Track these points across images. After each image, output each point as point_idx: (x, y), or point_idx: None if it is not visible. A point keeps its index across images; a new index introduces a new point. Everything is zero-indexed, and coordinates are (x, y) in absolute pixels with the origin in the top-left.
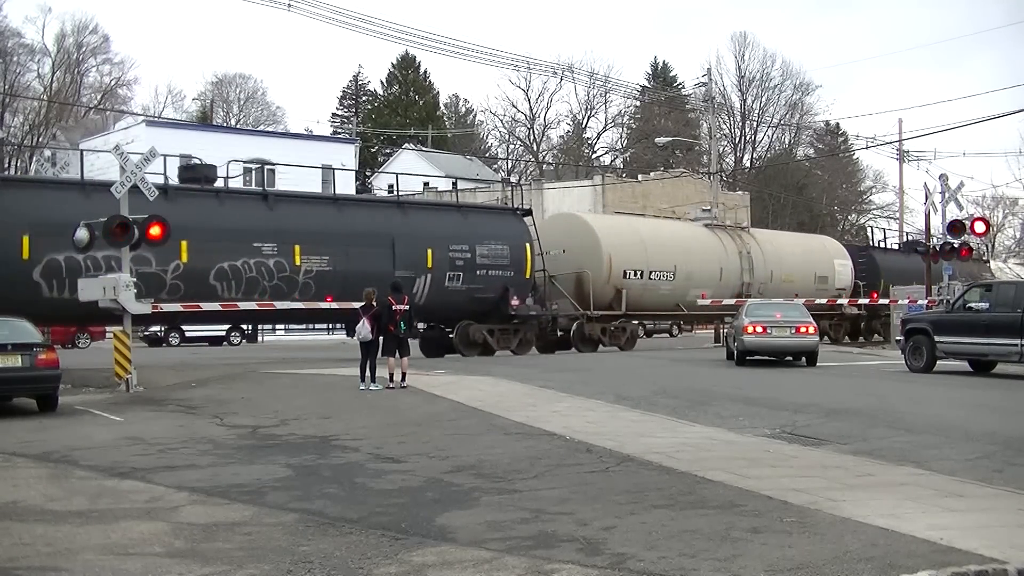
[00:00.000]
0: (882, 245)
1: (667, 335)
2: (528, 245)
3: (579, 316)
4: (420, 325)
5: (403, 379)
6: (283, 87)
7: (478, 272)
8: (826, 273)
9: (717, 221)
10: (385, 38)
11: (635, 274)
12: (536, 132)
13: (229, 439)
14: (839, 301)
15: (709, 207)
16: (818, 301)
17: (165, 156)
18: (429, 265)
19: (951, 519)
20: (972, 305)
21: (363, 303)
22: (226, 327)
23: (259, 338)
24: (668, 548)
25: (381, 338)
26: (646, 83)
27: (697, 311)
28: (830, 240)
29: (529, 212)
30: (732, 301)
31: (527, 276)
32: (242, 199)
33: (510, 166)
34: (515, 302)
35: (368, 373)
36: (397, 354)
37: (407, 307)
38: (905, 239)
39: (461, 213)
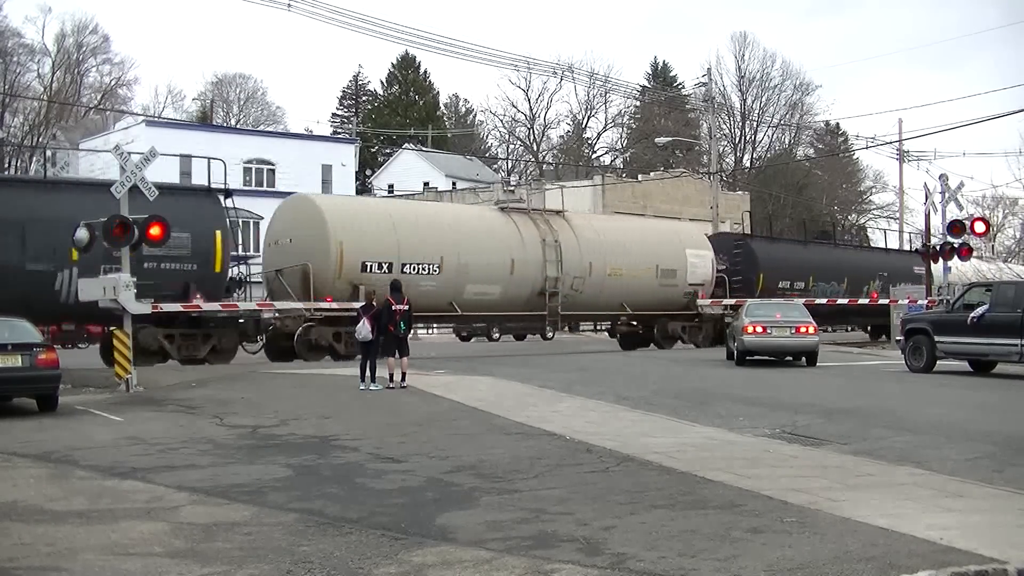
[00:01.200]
0: (771, 234)
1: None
2: (219, 232)
3: (306, 319)
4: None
5: (403, 379)
6: (283, 87)
7: (146, 265)
8: (674, 266)
9: (521, 204)
10: (385, 38)
11: (379, 267)
12: (536, 132)
13: (229, 439)
14: (699, 301)
15: (512, 187)
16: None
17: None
18: (75, 257)
19: (951, 519)
20: (970, 303)
21: (363, 303)
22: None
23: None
24: (668, 548)
25: (381, 338)
26: (646, 83)
27: (484, 312)
28: (689, 228)
29: (228, 192)
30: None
31: (216, 270)
32: None
33: (510, 166)
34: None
35: (368, 373)
36: (397, 354)
37: (407, 307)
38: (813, 231)
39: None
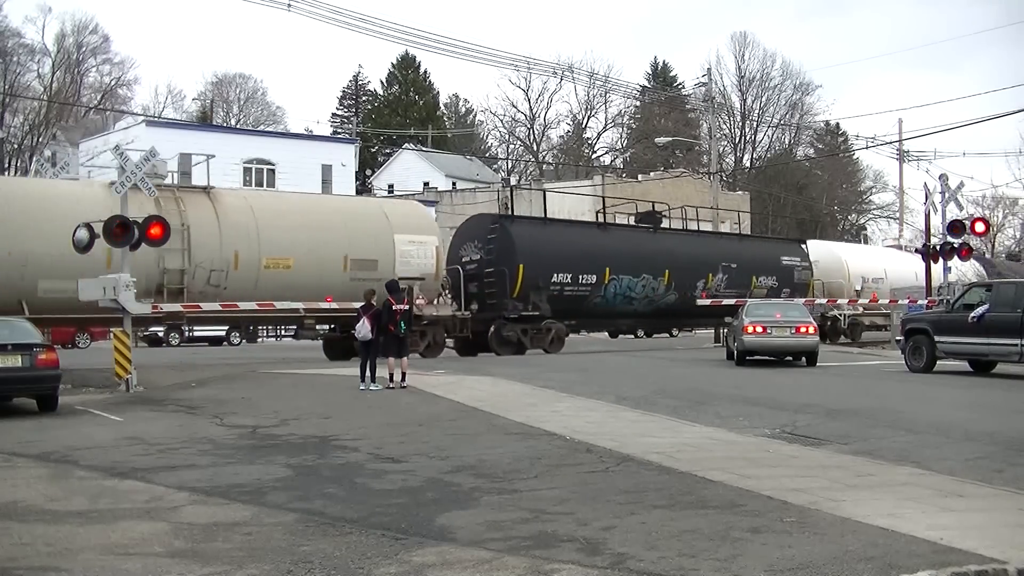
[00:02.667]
0: (534, 215)
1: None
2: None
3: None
4: None
5: (403, 379)
6: (283, 87)
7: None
8: (374, 255)
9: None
10: (385, 38)
11: None
12: (536, 132)
13: (229, 439)
14: (419, 301)
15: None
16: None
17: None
18: None
19: (951, 519)
20: (970, 303)
21: (363, 303)
22: (225, 328)
23: (259, 338)
24: (668, 548)
25: (381, 338)
26: (646, 83)
27: (68, 314)
28: (405, 207)
29: None
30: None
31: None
32: None
33: (510, 166)
34: None
35: (368, 373)
36: (397, 354)
37: (407, 306)
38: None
39: None
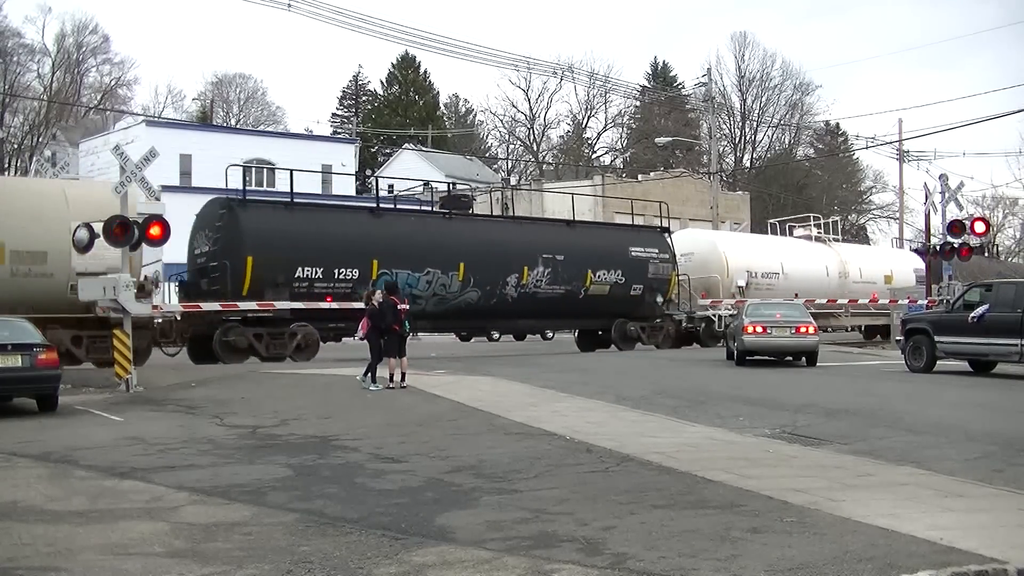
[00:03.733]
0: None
1: None
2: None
3: None
4: None
5: (403, 379)
6: (283, 87)
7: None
8: (43, 246)
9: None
10: (385, 38)
11: None
12: (536, 132)
13: (229, 439)
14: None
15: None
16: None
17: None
18: None
19: (951, 519)
20: (970, 303)
21: (365, 303)
22: None
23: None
24: (668, 548)
25: (384, 338)
26: (646, 83)
27: None
28: (95, 188)
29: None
30: None
31: None
32: None
33: (510, 166)
34: None
35: (369, 373)
36: (398, 354)
37: (407, 307)
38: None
39: None
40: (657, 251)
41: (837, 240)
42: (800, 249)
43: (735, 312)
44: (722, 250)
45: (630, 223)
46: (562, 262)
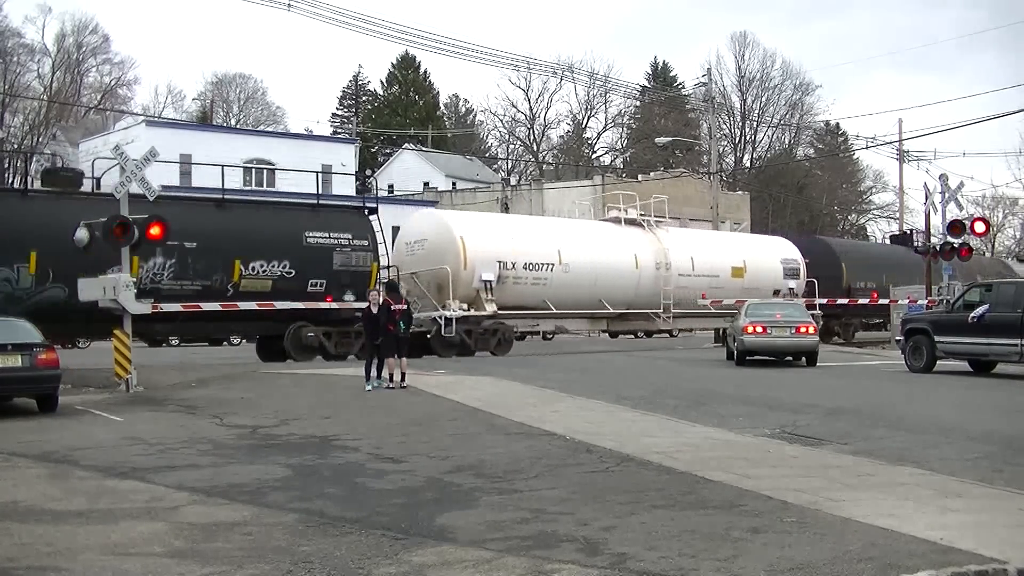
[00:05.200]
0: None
1: None
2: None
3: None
4: None
5: (403, 379)
6: (283, 87)
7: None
8: None
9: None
10: (385, 38)
11: None
12: (536, 132)
13: (229, 439)
14: None
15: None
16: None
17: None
18: None
19: (951, 519)
20: (970, 303)
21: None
22: None
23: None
24: (668, 548)
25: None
26: (646, 83)
27: None
28: None
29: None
30: None
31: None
32: None
33: (510, 166)
34: None
35: (372, 372)
36: (396, 354)
37: (405, 306)
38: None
39: None
40: (351, 236)
41: (661, 220)
42: (597, 234)
43: (477, 315)
44: (458, 235)
45: (314, 202)
46: (194, 250)
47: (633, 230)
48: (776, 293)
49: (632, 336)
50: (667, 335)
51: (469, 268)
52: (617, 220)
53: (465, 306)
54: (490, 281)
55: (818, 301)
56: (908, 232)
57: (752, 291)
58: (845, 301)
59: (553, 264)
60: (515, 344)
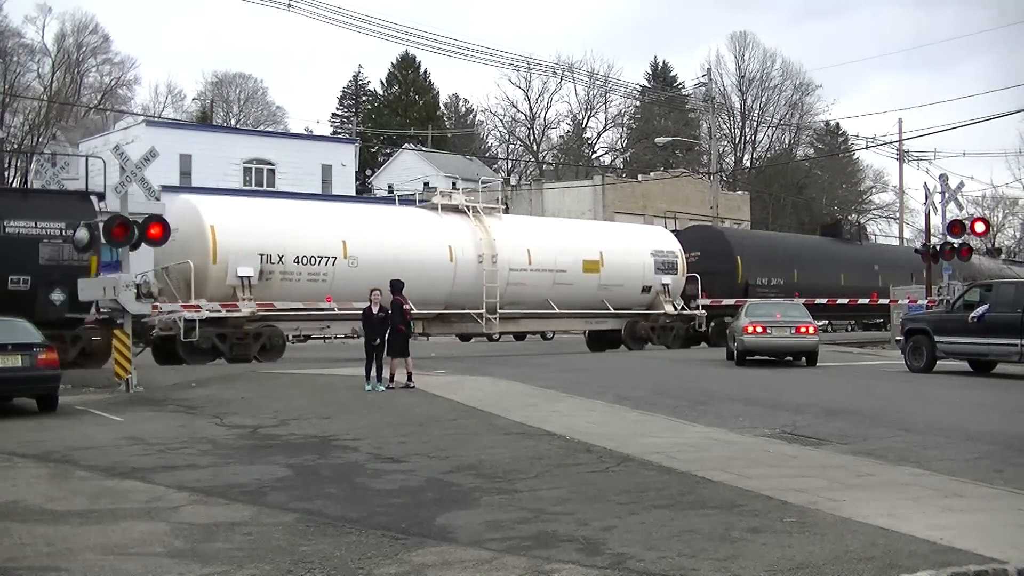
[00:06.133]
0: None
1: None
2: None
3: None
4: None
5: (409, 379)
6: (283, 87)
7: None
8: None
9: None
10: (385, 38)
11: None
12: (536, 132)
13: (229, 439)
14: None
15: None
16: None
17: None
18: None
19: (951, 519)
20: (970, 303)
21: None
22: None
23: None
24: (668, 548)
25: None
26: (646, 83)
27: None
28: None
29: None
30: None
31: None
32: None
33: (510, 166)
34: None
35: (374, 373)
36: (403, 354)
37: (411, 307)
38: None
39: None
40: (64, 225)
41: (493, 210)
42: (402, 223)
43: (235, 316)
44: (208, 223)
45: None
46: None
47: (453, 218)
48: (646, 291)
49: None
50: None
51: (221, 262)
52: (434, 207)
53: (219, 306)
54: (248, 277)
55: (702, 301)
56: (837, 220)
57: (612, 288)
58: (732, 301)
59: (335, 258)
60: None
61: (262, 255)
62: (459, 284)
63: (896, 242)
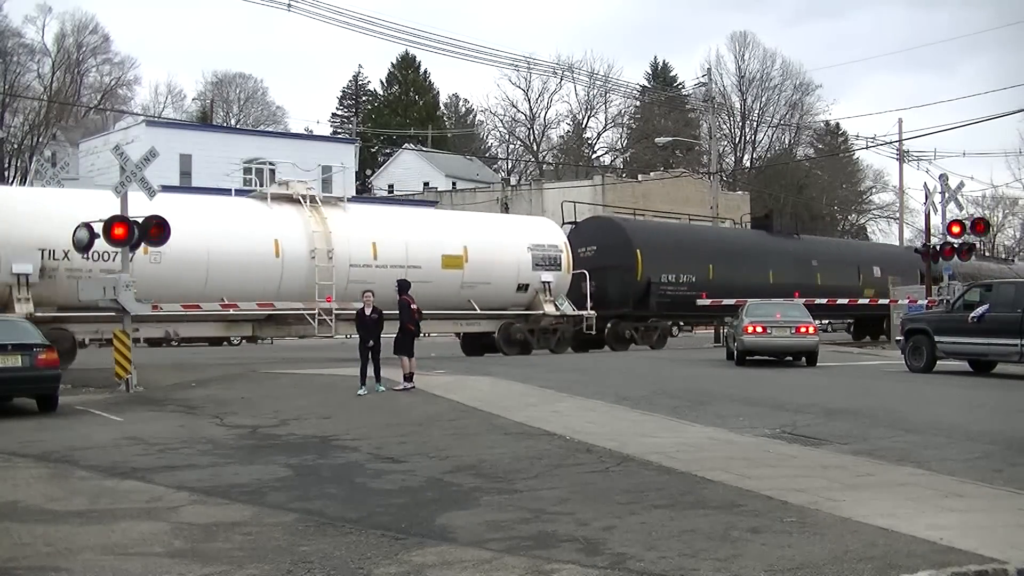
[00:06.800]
0: None
1: None
2: None
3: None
4: None
5: (408, 379)
6: (283, 87)
7: None
8: None
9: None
10: (385, 38)
11: None
12: (536, 132)
13: (229, 439)
14: None
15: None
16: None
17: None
18: None
19: (951, 519)
20: (970, 303)
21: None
22: None
23: (258, 340)
24: (668, 548)
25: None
26: (646, 83)
27: None
28: None
29: None
30: None
31: None
32: None
33: (510, 166)
34: None
35: (371, 374)
36: (410, 353)
37: (418, 306)
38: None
39: None
40: None
41: (338, 200)
42: (217, 214)
43: None
44: None
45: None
46: None
47: (285, 209)
48: (523, 289)
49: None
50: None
51: None
52: (263, 196)
53: None
54: (26, 275)
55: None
56: (769, 211)
57: (478, 286)
58: (623, 311)
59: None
60: None
61: (44, 250)
62: (288, 282)
63: (896, 242)
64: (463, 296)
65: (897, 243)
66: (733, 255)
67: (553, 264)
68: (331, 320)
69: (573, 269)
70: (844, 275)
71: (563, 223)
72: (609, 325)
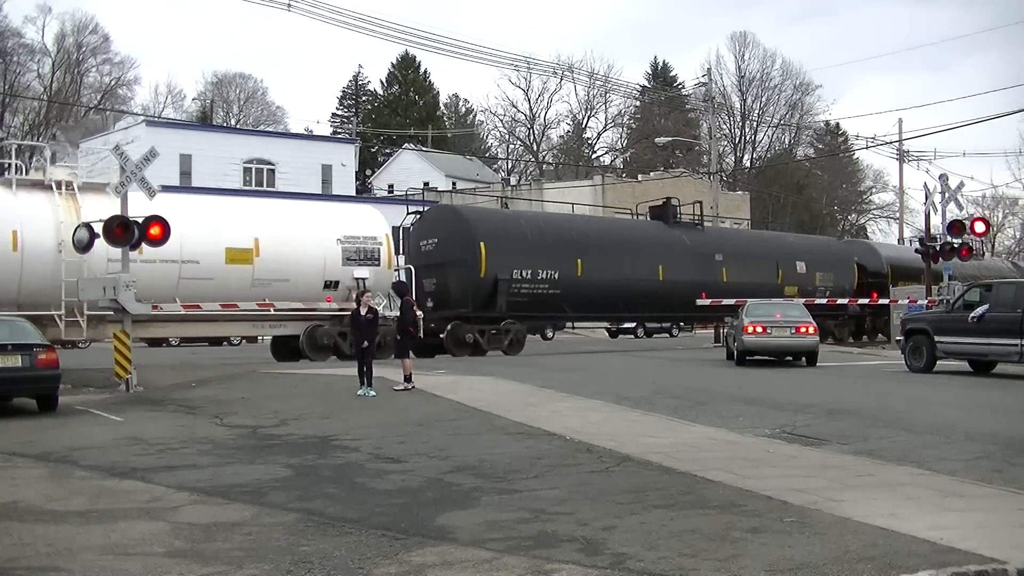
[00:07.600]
0: None
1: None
2: None
3: None
4: None
5: (408, 380)
6: (283, 87)
7: None
8: None
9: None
10: (385, 38)
11: None
12: (536, 132)
13: (229, 439)
14: None
15: None
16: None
17: None
18: None
19: (951, 519)
20: (970, 303)
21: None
22: None
23: (259, 338)
24: (668, 548)
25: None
26: (646, 83)
27: None
28: None
29: None
30: None
31: None
32: None
33: (510, 166)
34: None
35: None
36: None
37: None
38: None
39: None
40: None
41: (102, 187)
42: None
43: None
44: None
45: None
46: None
47: (33, 197)
48: (332, 286)
49: None
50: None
51: None
52: (7, 182)
53: None
54: None
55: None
56: (667, 200)
57: (274, 284)
58: (463, 311)
59: None
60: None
61: None
62: (31, 280)
63: (896, 242)
64: (255, 295)
65: (896, 242)
66: (610, 248)
67: (370, 258)
68: (83, 322)
69: (410, 263)
70: (758, 271)
71: (407, 212)
72: (449, 328)
